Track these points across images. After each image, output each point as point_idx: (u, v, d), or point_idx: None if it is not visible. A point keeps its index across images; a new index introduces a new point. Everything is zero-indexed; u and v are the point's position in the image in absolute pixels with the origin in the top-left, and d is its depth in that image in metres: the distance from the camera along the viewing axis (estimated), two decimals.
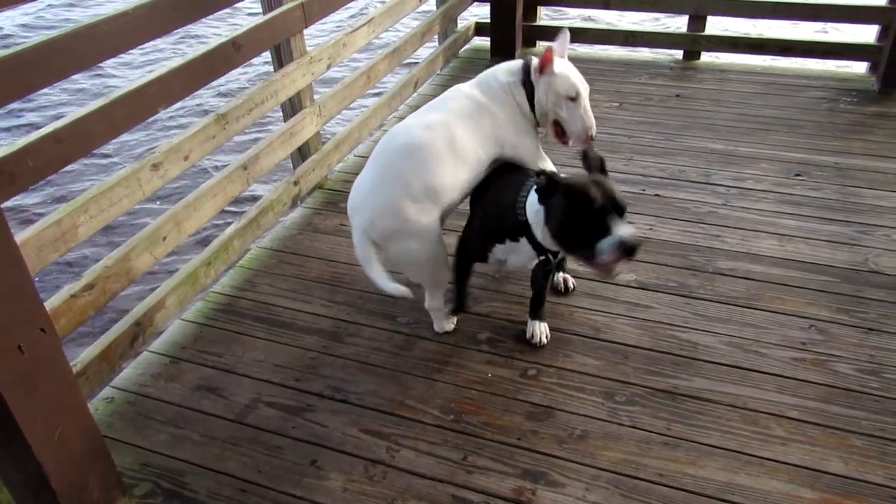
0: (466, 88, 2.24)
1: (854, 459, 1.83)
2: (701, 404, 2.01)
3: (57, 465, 1.57)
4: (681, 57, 4.53)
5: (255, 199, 3.19)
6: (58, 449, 1.57)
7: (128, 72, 6.72)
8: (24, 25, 7.88)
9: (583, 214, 1.75)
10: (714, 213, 2.89)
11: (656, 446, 1.89)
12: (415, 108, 3.22)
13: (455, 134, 2.07)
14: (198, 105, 5.84)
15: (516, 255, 2.07)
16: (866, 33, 4.30)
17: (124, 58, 6.69)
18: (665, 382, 2.09)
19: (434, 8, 4.33)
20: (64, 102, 6.09)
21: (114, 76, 6.63)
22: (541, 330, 2.24)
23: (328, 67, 3.01)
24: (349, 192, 2.13)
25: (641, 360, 2.17)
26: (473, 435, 1.94)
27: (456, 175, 2.07)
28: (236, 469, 1.88)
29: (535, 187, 1.89)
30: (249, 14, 6.71)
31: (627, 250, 1.71)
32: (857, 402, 1.99)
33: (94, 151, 2.09)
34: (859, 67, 4.30)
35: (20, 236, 1.70)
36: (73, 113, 1.86)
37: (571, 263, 2.51)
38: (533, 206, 1.92)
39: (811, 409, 1.98)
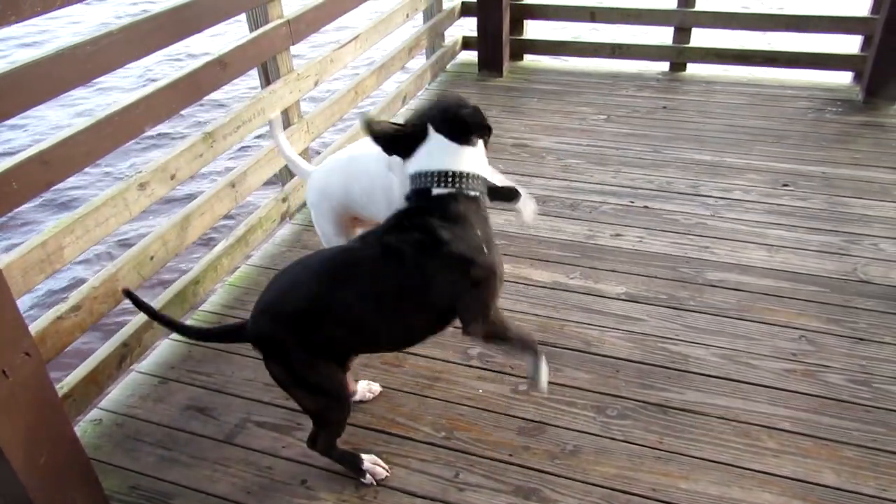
0: None
1: (846, 471, 1.83)
2: (693, 417, 2.00)
3: (42, 491, 1.55)
4: (667, 68, 4.57)
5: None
6: (43, 473, 1.55)
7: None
8: None
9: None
10: (703, 225, 2.90)
11: (649, 460, 1.88)
12: None
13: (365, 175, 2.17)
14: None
15: None
16: (849, 43, 4.35)
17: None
18: (657, 396, 2.08)
19: (420, 22, 4.36)
20: None
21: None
22: None
23: (315, 84, 3.02)
24: None
25: (633, 374, 2.17)
26: (465, 451, 1.93)
27: (359, 198, 2.19)
28: (226, 491, 1.86)
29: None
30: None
31: None
32: (848, 413, 1.99)
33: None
34: (844, 77, 4.34)
35: (4, 260, 1.69)
36: (58, 134, 1.85)
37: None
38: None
39: (803, 420, 1.98)
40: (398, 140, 1.60)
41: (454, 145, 1.58)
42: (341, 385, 1.72)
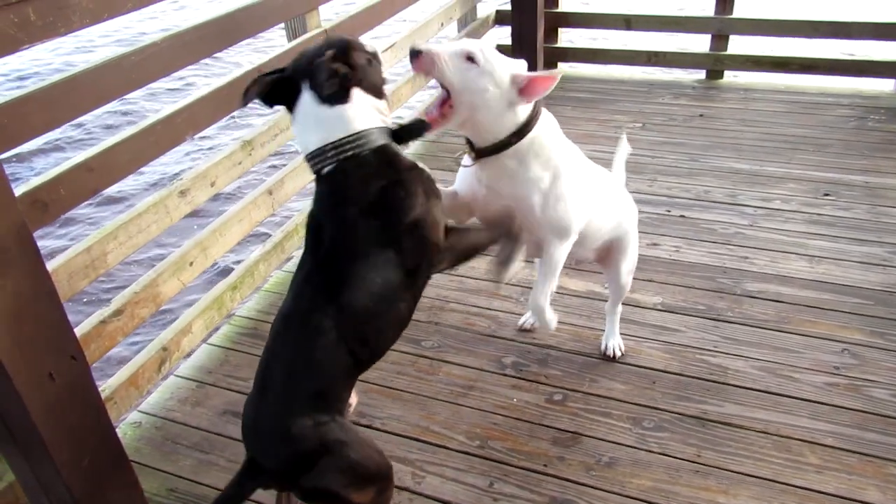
0: None
1: (892, 489, 1.77)
2: (732, 431, 1.97)
3: (85, 491, 1.58)
4: (703, 76, 4.52)
5: None
6: (86, 474, 1.58)
7: None
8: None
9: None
10: (741, 234, 2.86)
11: (686, 474, 1.85)
12: None
13: None
14: None
15: None
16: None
17: None
18: (695, 408, 2.05)
19: (455, 31, 4.38)
20: None
21: None
22: None
23: None
24: None
25: (670, 385, 2.14)
26: (499, 461, 1.92)
27: None
28: (261, 495, 1.87)
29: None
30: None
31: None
32: (894, 430, 1.94)
33: None
34: (886, 85, 4.24)
35: (51, 264, 1.73)
36: (103, 142, 1.90)
37: None
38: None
39: (846, 436, 1.93)
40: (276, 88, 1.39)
41: (325, 108, 1.36)
42: (379, 451, 1.50)
